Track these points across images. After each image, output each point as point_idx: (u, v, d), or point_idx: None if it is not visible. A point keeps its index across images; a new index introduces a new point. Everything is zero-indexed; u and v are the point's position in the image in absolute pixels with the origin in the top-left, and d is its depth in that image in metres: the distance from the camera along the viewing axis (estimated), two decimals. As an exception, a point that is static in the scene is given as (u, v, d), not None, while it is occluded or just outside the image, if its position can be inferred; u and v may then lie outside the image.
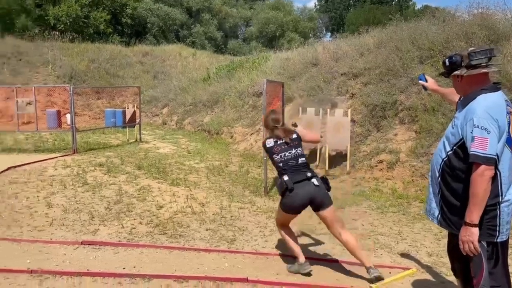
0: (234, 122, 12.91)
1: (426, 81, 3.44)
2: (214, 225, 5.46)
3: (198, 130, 14.74)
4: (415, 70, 8.75)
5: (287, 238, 4.04)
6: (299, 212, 3.91)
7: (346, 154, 8.25)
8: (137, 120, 12.54)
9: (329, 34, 48.27)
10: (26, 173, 8.27)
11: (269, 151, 3.95)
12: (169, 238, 4.96)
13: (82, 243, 4.68)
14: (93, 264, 4.15)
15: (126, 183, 7.47)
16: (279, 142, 3.92)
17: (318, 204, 3.75)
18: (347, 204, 6.53)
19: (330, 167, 8.35)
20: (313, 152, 9.12)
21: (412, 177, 7.15)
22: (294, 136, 3.95)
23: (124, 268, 4.04)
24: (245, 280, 3.78)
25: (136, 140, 12.69)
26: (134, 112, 12.32)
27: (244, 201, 6.57)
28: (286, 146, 3.89)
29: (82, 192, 6.88)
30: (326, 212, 3.78)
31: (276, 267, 4.17)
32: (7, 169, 8.47)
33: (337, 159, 8.55)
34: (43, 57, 19.49)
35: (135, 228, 5.28)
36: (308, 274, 3.88)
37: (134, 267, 4.09)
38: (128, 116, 12.38)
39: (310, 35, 42.93)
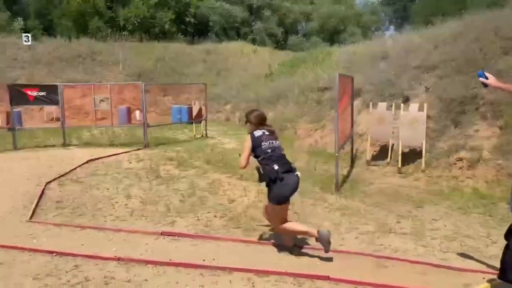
0: (298, 118, 12.77)
1: (487, 78, 3.26)
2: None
3: (261, 126, 14.76)
4: (499, 62, 8.10)
5: (295, 226, 4.24)
6: (289, 202, 4.15)
7: (420, 151, 7.82)
8: (203, 116, 12.80)
9: (393, 27, 46.43)
10: (104, 166, 8.72)
11: (258, 140, 4.13)
12: (244, 232, 4.97)
13: (162, 233, 4.81)
14: (174, 254, 4.24)
15: (197, 177, 7.63)
16: (266, 132, 4.20)
17: (293, 193, 4.13)
18: (424, 203, 6.18)
19: (403, 164, 7.97)
20: (383, 149, 8.77)
21: (497, 176, 6.63)
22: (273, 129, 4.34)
23: (204, 260, 4.09)
24: (327, 278, 3.67)
25: (202, 135, 12.97)
26: (200, 108, 12.60)
27: (315, 198, 6.44)
28: (271, 136, 4.22)
29: (157, 185, 7.12)
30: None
31: (356, 266, 4.02)
32: (87, 162, 8.98)
33: (411, 156, 8.13)
34: (114, 57, 20.56)
35: (210, 221, 5.35)
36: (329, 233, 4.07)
37: (214, 259, 4.12)
38: (194, 113, 12.69)
39: (372, 28, 41.55)
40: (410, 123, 7.86)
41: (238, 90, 18.43)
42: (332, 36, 34.66)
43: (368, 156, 8.63)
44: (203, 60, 21.66)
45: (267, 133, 4.20)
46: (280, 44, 33.22)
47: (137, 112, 18.55)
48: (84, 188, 6.92)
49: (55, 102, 10.90)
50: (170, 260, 4.06)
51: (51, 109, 16.21)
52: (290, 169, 4.08)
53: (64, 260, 4.09)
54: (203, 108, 12.92)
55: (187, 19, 31.96)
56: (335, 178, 6.91)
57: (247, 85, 18.41)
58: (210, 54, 22.32)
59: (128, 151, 10.29)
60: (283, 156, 4.19)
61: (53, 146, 11.23)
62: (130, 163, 9.07)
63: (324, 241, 4.01)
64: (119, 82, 18.10)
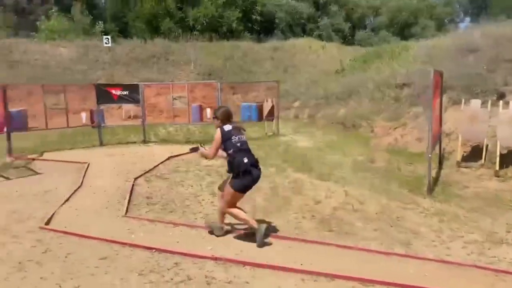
0: (374, 115, 12.26)
1: None
2: (381, 225, 5.10)
3: (332, 123, 14.39)
4: None
5: (240, 213, 4.49)
6: (248, 189, 4.47)
7: (522, 153, 7.11)
8: (276, 114, 12.70)
9: (469, 18, 43.36)
10: (184, 163, 8.92)
11: (227, 134, 4.39)
12: (337, 235, 4.76)
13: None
14: (269, 256, 4.15)
15: (277, 176, 7.53)
16: (234, 128, 4.47)
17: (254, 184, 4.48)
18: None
19: (501, 167, 7.28)
20: (476, 149, 8.09)
21: None
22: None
23: (301, 264, 3.95)
24: (441, 292, 3.37)
25: (273, 133, 12.88)
26: (273, 106, 12.51)
27: (405, 201, 6.06)
28: (239, 131, 4.50)
29: (238, 183, 7.10)
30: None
31: (471, 279, 3.66)
32: (168, 159, 9.26)
33: (510, 158, 7.42)
34: (186, 56, 21.16)
35: (300, 222, 5.21)
36: (267, 229, 4.45)
37: (311, 264, 3.96)
38: (266, 110, 12.63)
39: (446, 21, 39.10)
40: (510, 122, 7.15)
41: (307, 87, 18.15)
42: (403, 29, 33.11)
43: (459, 157, 8.01)
44: (270, 58, 21.63)
45: (235, 128, 4.49)
46: (347, 40, 32.34)
47: (208, 110, 18.98)
48: (170, 184, 7.10)
49: (137, 101, 11.37)
50: (267, 262, 3.96)
51: (129, 108, 17.00)
52: (256, 163, 4.46)
53: (164, 256, 4.15)
54: (275, 105, 12.81)
55: (254, 17, 32.10)
56: (428, 180, 6.46)
57: (316, 81, 18.07)
58: (277, 51, 22.23)
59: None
60: (250, 150, 4.50)
61: (134, 142, 11.74)
62: (209, 160, 9.18)
63: (260, 235, 4.33)
64: (193, 81, 18.60)
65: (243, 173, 4.28)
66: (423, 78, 9.13)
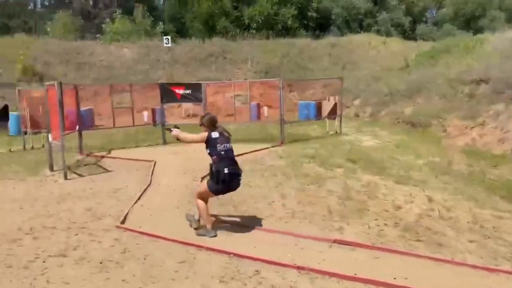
0: (445, 113, 11.43)
1: None
2: (476, 236, 4.57)
3: (398, 122, 13.65)
4: None
5: (204, 208, 4.70)
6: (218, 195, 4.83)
7: None
8: (338, 112, 12.23)
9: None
10: (249, 162, 8.72)
11: (214, 141, 4.56)
12: (428, 247, 4.32)
13: (334, 241, 4.42)
14: (355, 267, 3.81)
15: (347, 178, 7.13)
16: (222, 135, 4.61)
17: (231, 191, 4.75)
18: None
19: None
20: None
21: None
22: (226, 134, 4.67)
23: (394, 278, 3.57)
24: None
25: (335, 132, 12.41)
26: (335, 104, 12.03)
27: (499, 209, 5.45)
28: (226, 139, 4.64)
29: (307, 185, 6.80)
30: None
31: None
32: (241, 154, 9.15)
33: None
34: (243, 55, 21.11)
35: (382, 230, 4.81)
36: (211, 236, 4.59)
37: (406, 278, 3.58)
38: (328, 108, 12.16)
39: (517, 11, 36.13)
40: None
41: (367, 84, 17.41)
42: (468, 22, 31.00)
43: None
44: (328, 54, 21.02)
45: (222, 136, 4.63)
46: (406, 35, 30.82)
47: (265, 109, 18.82)
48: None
49: (199, 100, 11.38)
50: (355, 274, 3.63)
51: (188, 106, 17.21)
52: (237, 173, 4.62)
53: (243, 263, 3.94)
54: (338, 103, 12.34)
55: (309, 14, 31.56)
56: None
57: (378, 78, 17.28)
58: (334, 47, 21.57)
59: (267, 148, 10.23)
60: (233, 158, 4.66)
61: (196, 141, 11.80)
62: (272, 159, 8.97)
63: (202, 233, 4.65)
64: (256, 79, 18.48)
65: (221, 182, 4.51)
66: (507, 73, 8.30)
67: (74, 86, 10.02)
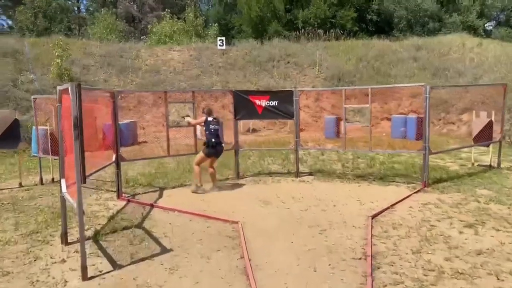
0: None
1: None
2: None
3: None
4: None
5: (198, 170, 6.46)
6: (212, 156, 6.51)
7: None
8: (494, 136, 7.76)
9: None
10: (404, 227, 4.56)
11: (208, 123, 6.48)
12: None
13: None
14: None
15: None
16: (214, 119, 6.56)
17: (218, 156, 6.58)
18: None
19: None
20: None
21: None
22: (218, 119, 6.84)
23: None
24: None
25: (490, 165, 7.87)
26: (490, 123, 7.59)
27: None
28: (215, 121, 6.56)
29: None
30: (215, 159, 6.62)
31: None
32: (372, 217, 5.01)
33: None
34: (309, 58, 16.97)
35: None
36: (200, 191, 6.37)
37: None
38: (477, 128, 7.72)
39: None
40: None
41: (483, 94, 12.83)
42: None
43: None
44: (412, 58, 16.53)
45: (213, 120, 6.53)
46: (481, 36, 25.84)
47: (343, 123, 14.55)
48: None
49: (290, 114, 7.31)
50: None
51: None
52: (220, 142, 6.51)
53: None
54: (501, 121, 7.90)
55: (369, 16, 27.22)
56: None
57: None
58: (420, 50, 17.05)
59: (408, 196, 5.99)
60: (217, 134, 6.47)
61: (280, 174, 7.75)
62: (430, 222, 4.78)
63: (194, 189, 6.50)
64: (323, 87, 14.36)
65: (211, 147, 6.38)
66: None
67: (112, 93, 6.17)
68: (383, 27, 28.25)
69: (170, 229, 4.77)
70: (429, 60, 16.22)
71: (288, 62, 16.85)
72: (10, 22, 31.39)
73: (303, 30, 23.47)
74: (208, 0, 39.96)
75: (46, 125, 8.02)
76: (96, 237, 4.48)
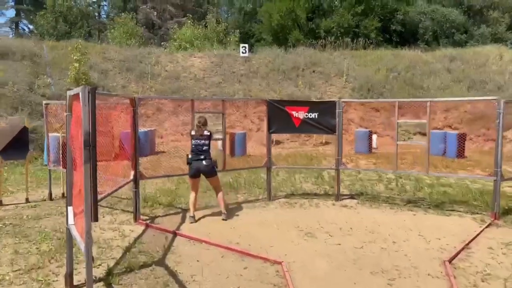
0: None
1: None
2: None
3: None
4: None
5: (192, 199, 5.50)
6: (196, 177, 5.48)
7: None
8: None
9: None
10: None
11: (191, 136, 5.56)
12: None
13: None
14: None
15: None
16: (197, 133, 5.50)
17: (203, 173, 5.45)
18: None
19: None
20: None
21: None
22: (206, 133, 5.50)
23: None
24: None
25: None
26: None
27: None
28: (199, 136, 5.48)
29: None
30: (210, 179, 5.56)
31: None
32: (452, 258, 3.99)
33: None
34: (336, 67, 16.01)
35: None
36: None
37: None
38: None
39: None
40: None
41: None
42: None
43: None
44: (446, 69, 15.43)
45: (198, 133, 5.48)
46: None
47: (374, 137, 13.50)
48: None
49: (331, 129, 6.34)
50: None
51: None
52: (199, 159, 5.40)
53: None
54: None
55: (393, 27, 26.16)
56: None
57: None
58: (454, 61, 15.95)
59: (477, 234, 4.92)
60: (201, 150, 5.43)
61: (315, 195, 6.77)
62: None
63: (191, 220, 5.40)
64: (351, 99, 13.38)
65: (189, 164, 5.46)
66: None
67: (132, 100, 5.30)
68: (408, 38, 27.15)
69: (199, 269, 3.82)
70: (465, 72, 15.11)
71: (314, 71, 15.91)
72: (31, 27, 31.25)
73: (327, 38, 22.57)
74: (227, 8, 39.43)
75: (59, 133, 7.24)
76: (108, 279, 3.55)
